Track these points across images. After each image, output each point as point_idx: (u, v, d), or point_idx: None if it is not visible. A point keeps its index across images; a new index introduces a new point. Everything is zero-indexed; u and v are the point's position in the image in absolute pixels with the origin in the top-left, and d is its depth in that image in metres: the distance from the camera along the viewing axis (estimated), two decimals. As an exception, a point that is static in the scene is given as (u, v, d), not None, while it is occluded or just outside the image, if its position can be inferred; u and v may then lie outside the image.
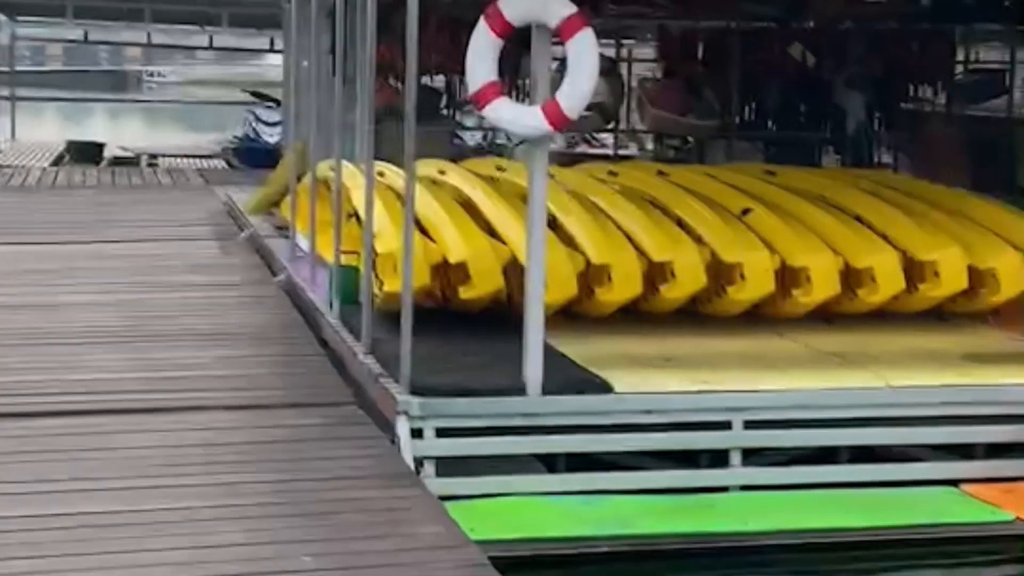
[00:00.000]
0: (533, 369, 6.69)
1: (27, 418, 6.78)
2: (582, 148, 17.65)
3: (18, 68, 27.04)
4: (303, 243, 10.58)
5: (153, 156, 22.57)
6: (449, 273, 7.75)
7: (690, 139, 12.47)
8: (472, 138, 13.39)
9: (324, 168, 9.63)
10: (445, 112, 12.59)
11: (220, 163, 21.80)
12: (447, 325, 7.67)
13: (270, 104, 21.70)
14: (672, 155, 12.59)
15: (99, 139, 24.60)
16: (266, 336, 8.80)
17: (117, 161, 22.23)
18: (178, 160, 22.21)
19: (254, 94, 22.30)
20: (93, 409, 6.94)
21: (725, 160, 11.56)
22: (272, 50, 28.38)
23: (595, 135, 17.77)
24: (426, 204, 8.04)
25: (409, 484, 5.97)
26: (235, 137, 21.68)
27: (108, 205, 15.35)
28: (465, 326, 7.73)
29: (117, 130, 32.78)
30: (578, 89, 6.39)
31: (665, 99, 10.95)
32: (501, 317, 7.98)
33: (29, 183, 17.55)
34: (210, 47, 30.80)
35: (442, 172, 9.20)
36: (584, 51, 6.37)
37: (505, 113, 6.53)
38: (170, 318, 9.18)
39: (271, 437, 6.60)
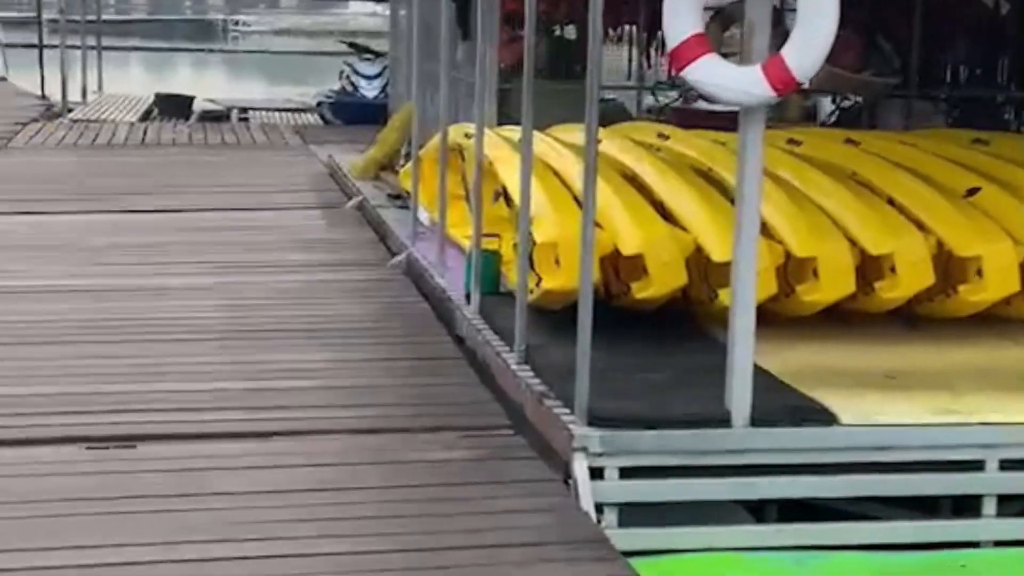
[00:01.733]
0: (740, 393, 5.35)
1: (99, 445, 5.51)
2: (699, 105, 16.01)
3: (103, 17, 25.91)
4: (426, 218, 9.30)
5: (243, 110, 21.41)
6: (619, 266, 6.42)
7: (855, 98, 10.94)
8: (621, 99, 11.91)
9: (458, 133, 8.30)
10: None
11: (313, 117, 20.63)
12: (611, 328, 6.27)
13: (368, 56, 20.42)
14: (835, 117, 11.02)
15: (187, 92, 23.54)
16: (389, 333, 7.53)
17: (206, 115, 21.15)
18: (269, 114, 21.05)
19: (351, 45, 21.00)
20: (181, 433, 5.70)
21: (902, 123, 10.08)
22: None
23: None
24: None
25: (600, 553, 4.64)
26: (331, 91, 20.41)
27: (200, 166, 14.21)
28: (634, 330, 6.39)
29: (202, 81, 31.74)
30: (813, 42, 5.00)
31: (837, 52, 9.46)
32: (675, 316, 6.66)
33: (116, 140, 16.46)
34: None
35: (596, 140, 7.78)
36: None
37: (714, 74, 5.15)
38: (273, 307, 7.94)
39: (407, 478, 5.26)
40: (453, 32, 10.47)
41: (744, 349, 5.35)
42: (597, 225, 6.45)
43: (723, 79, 5.14)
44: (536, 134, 7.94)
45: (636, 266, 6.36)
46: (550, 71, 10.17)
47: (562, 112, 9.12)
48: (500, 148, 7.43)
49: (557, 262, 6.30)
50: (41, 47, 21.59)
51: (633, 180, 7.05)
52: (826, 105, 12.26)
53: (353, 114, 19.51)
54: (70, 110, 19.44)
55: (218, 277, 8.72)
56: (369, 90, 19.88)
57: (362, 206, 11.31)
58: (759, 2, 5.15)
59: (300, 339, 7.23)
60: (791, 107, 16.19)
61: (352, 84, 20.04)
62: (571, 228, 6.28)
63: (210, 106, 22.01)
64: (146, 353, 6.86)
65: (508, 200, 6.81)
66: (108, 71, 23.77)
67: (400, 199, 10.90)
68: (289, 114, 21.31)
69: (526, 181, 6.27)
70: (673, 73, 5.05)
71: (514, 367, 6.21)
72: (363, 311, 8.01)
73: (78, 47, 22.03)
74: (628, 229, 6.36)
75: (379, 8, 45.72)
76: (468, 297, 7.42)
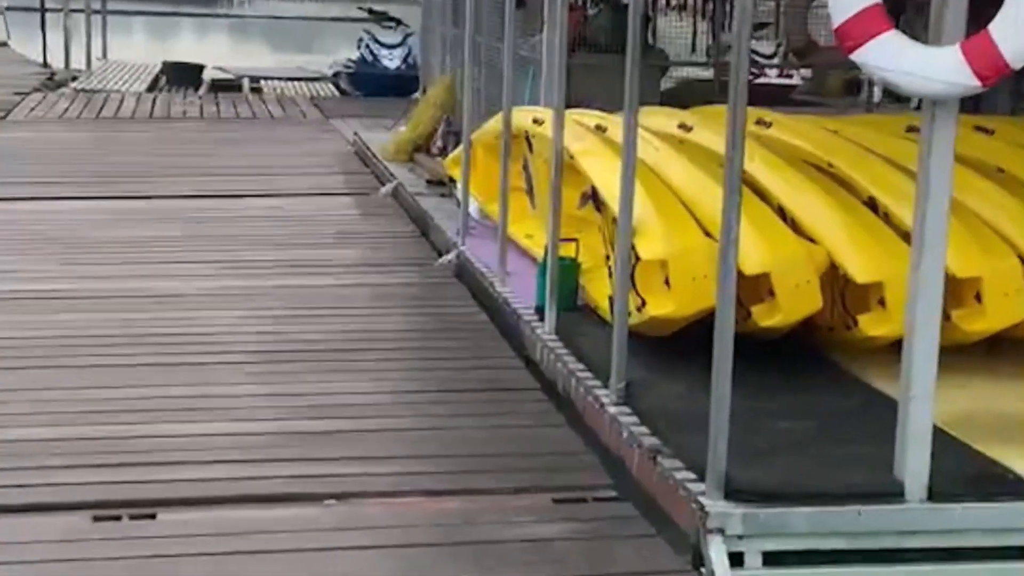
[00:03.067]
0: (917, 460, 4.26)
1: (110, 514, 4.43)
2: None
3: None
4: (475, 211, 8.19)
5: (255, 79, 20.24)
6: (740, 288, 5.30)
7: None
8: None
9: (521, 118, 7.15)
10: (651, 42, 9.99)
11: (328, 87, 19.49)
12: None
13: (389, 23, 19.25)
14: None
15: (195, 59, 22.37)
16: (448, 354, 6.39)
17: (216, 84, 20.00)
18: (282, 84, 19.89)
19: (370, 12, 19.80)
20: (209, 497, 4.59)
21: (1011, 108, 8.96)
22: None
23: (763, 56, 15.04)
24: (694, 181, 5.58)
25: None
26: (349, 60, 19.25)
27: (213, 144, 13.08)
28: (751, 362, 5.25)
29: (209, 47, 30.51)
30: (1032, 20, 3.88)
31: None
32: (793, 344, 5.56)
33: (123, 112, 15.33)
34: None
35: (685, 127, 6.67)
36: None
37: (898, 58, 4.02)
38: (309, 319, 6.82)
39: (504, 568, 4.20)
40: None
41: (923, 405, 4.24)
42: (708, 236, 5.37)
43: (912, 64, 4.01)
44: (611, 120, 6.87)
45: (758, 287, 5.25)
46: (612, 44, 8.99)
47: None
48: (583, 139, 6.28)
49: (667, 282, 5.19)
50: (43, 10, 20.42)
51: (744, 179, 5.90)
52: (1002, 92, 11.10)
53: (373, 85, 18.39)
54: (74, 78, 18.33)
55: (239, 280, 7.61)
56: (390, 60, 18.74)
57: (397, 193, 10.19)
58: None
59: (344, 362, 6.12)
60: (831, 81, 14.94)
61: (372, 53, 18.88)
62: (683, 242, 5.20)
63: (220, 75, 20.85)
64: (157, 382, 5.74)
65: (598, 204, 5.69)
66: (112, 37, 22.58)
67: (441, 185, 9.80)
68: (303, 83, 20.17)
69: (629, 182, 5.13)
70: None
71: (611, 410, 5.10)
72: (414, 324, 6.91)
73: (82, 11, 20.87)
74: (749, 242, 5.23)
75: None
76: (540, 312, 6.31)
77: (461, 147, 8.30)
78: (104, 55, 21.59)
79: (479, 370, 6.12)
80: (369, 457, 4.96)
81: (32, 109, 15.25)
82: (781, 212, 5.60)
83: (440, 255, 8.24)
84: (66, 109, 15.34)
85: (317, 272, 7.86)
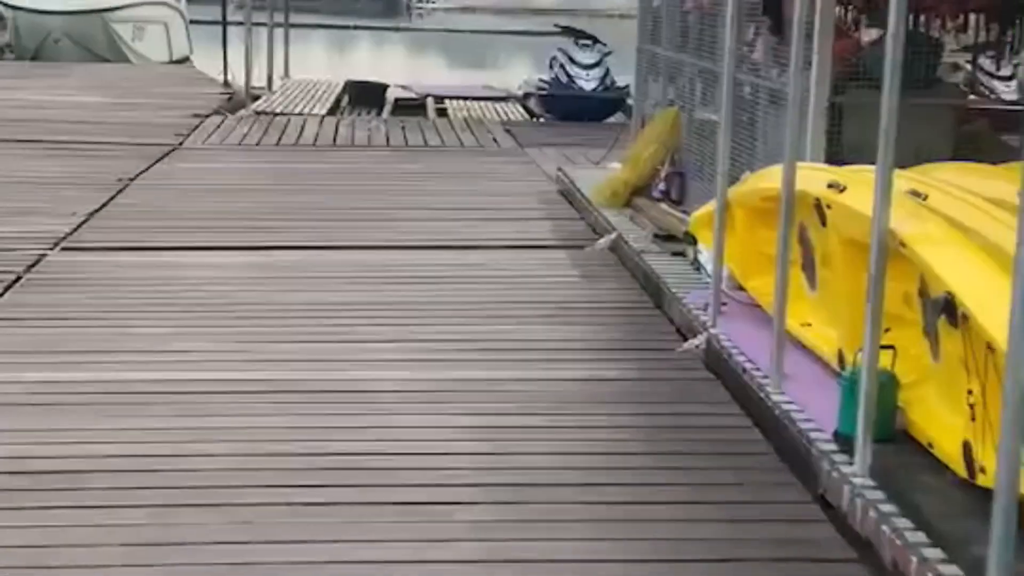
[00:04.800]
0: None
1: None
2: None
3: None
4: (727, 283, 6.68)
5: (439, 99, 19.08)
6: None
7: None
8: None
9: (812, 181, 5.57)
10: (941, 72, 8.25)
11: (516, 108, 18.17)
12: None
13: (586, 41, 17.84)
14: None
15: (375, 76, 21.33)
16: (723, 490, 4.86)
17: (400, 104, 18.88)
18: (468, 104, 18.64)
19: (566, 29, 18.38)
20: None
21: None
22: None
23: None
24: None
25: None
26: (541, 80, 17.88)
27: (402, 178, 11.80)
28: None
29: (387, 62, 29.63)
30: None
31: None
32: None
33: (305, 139, 14.19)
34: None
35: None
36: None
37: None
38: (527, 434, 5.39)
39: None
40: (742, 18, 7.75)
41: None
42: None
43: None
44: (927, 182, 5.30)
45: None
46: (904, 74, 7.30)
47: (926, 136, 6.49)
48: (916, 217, 4.68)
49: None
50: (224, 24, 19.52)
51: None
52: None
53: (568, 109, 17.01)
54: (255, 99, 17.36)
55: (442, 371, 6.18)
56: (587, 81, 17.32)
57: (617, 247, 8.72)
58: None
59: (579, 505, 4.65)
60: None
61: (567, 74, 17.48)
62: None
63: (403, 94, 19.77)
64: (362, 556, 4.32)
65: (952, 316, 4.10)
66: (292, 51, 21.65)
67: (672, 240, 8.30)
68: (490, 104, 18.91)
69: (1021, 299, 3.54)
70: None
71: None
72: (665, 443, 5.38)
73: (264, 24, 19.96)
74: None
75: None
76: (841, 440, 4.77)
77: (712, 205, 6.79)
78: (286, 73, 20.64)
79: (768, 524, 4.59)
80: None
81: (209, 135, 14.21)
82: None
83: (683, 337, 6.74)
84: (244, 135, 14.27)
85: (528, 359, 6.40)
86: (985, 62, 11.70)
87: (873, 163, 6.38)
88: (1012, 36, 8.77)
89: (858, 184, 5.24)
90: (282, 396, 5.76)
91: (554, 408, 5.69)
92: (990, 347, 3.74)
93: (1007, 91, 12.30)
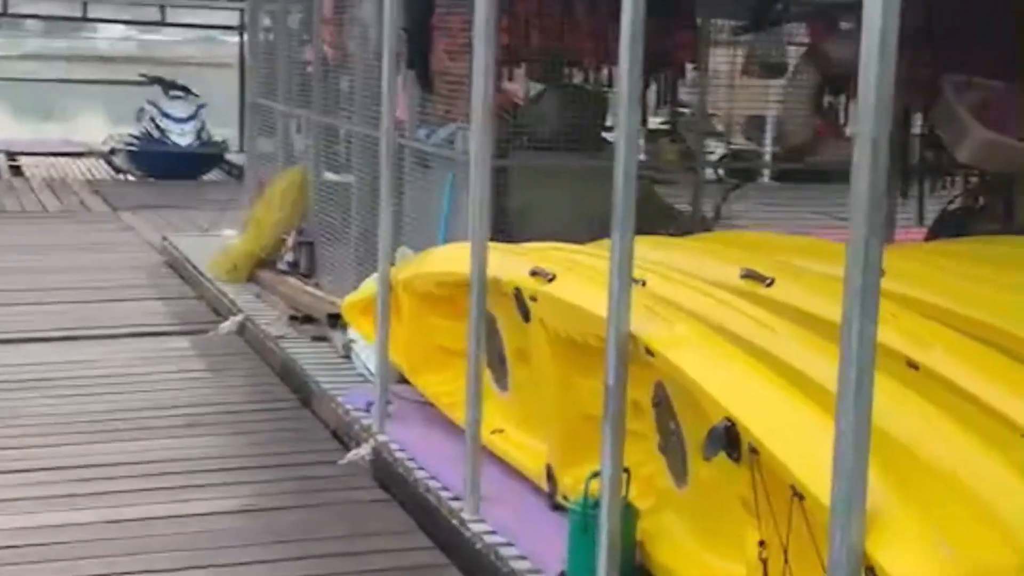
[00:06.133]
0: None
1: None
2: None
3: None
4: (399, 382, 5.74)
5: (12, 155, 17.21)
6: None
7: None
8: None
9: (509, 267, 4.68)
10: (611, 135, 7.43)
11: (99, 165, 16.59)
12: None
13: (177, 93, 16.49)
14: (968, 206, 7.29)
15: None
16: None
17: (-36, 161, 16.90)
18: (46, 160, 16.89)
19: (154, 79, 16.93)
20: None
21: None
22: (110, 20, 22.93)
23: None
24: (931, 423, 3.29)
25: None
26: (130, 135, 16.38)
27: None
28: None
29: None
30: None
31: (1001, 115, 6.35)
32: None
33: None
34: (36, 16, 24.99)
35: (758, 277, 4.36)
36: None
37: None
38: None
39: None
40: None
41: None
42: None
43: None
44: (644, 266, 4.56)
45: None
46: (560, 136, 6.58)
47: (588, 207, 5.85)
48: (651, 314, 3.85)
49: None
50: None
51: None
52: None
53: (162, 165, 15.64)
54: None
55: (35, 515, 4.91)
56: (181, 136, 16.00)
57: (245, 331, 7.60)
58: None
59: None
60: (665, 150, 12.23)
61: (158, 128, 16.09)
62: (977, 559, 2.87)
63: (-33, 149, 17.72)
64: None
65: (735, 450, 3.25)
66: None
67: (310, 322, 7.29)
68: (71, 160, 17.23)
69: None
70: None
71: None
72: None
73: None
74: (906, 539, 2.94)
75: (133, 32, 40.81)
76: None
77: (367, 288, 5.83)
78: None
79: None
80: None
81: None
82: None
83: (342, 444, 5.73)
84: None
85: (150, 487, 5.20)
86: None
87: (545, 237, 5.68)
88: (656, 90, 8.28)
89: (569, 272, 4.43)
90: None
91: (189, 559, 4.53)
92: (796, 492, 2.99)
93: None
